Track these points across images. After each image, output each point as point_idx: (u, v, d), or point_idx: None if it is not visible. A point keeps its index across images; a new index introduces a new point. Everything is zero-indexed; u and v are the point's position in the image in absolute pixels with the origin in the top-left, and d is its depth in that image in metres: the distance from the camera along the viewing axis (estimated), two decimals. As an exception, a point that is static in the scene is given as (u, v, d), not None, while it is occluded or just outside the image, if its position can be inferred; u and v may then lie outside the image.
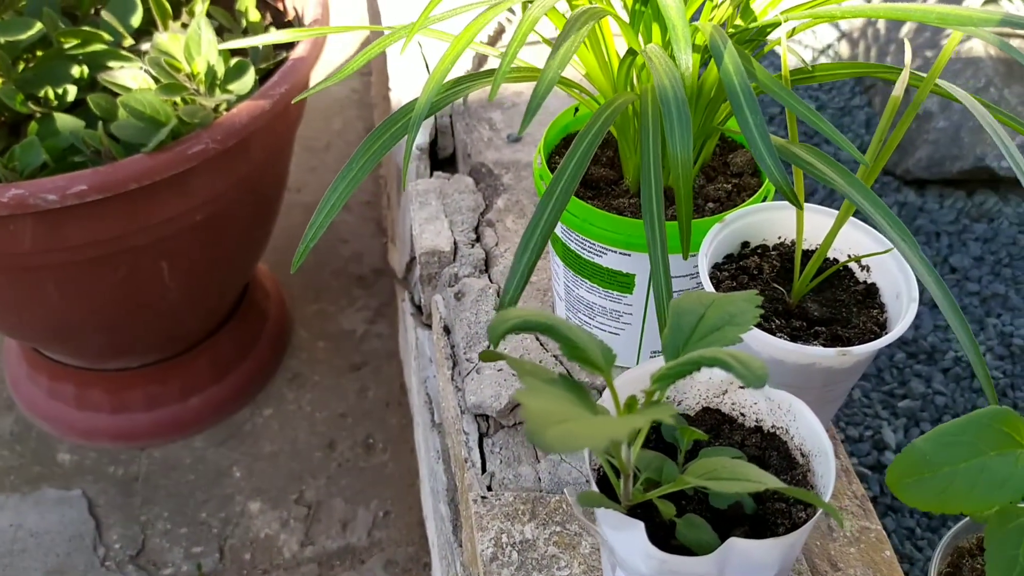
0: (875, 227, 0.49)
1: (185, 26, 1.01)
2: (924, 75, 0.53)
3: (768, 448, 0.51)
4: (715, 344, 0.44)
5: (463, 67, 1.10)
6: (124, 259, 0.97)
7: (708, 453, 0.50)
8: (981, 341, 1.14)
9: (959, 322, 0.48)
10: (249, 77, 0.92)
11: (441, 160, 1.04)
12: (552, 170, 0.72)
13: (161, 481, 1.26)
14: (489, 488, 0.71)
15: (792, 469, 0.50)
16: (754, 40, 0.61)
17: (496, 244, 0.88)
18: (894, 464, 0.46)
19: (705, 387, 0.53)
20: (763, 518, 0.48)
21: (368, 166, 0.55)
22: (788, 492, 0.41)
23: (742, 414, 0.53)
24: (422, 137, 0.99)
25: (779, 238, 0.67)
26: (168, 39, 0.92)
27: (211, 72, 0.90)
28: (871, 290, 0.64)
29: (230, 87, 0.92)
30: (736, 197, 0.69)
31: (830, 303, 0.63)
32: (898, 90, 0.51)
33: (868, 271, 0.64)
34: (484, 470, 0.74)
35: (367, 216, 1.63)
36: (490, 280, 0.85)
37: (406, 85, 1.09)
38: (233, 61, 0.93)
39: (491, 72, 0.60)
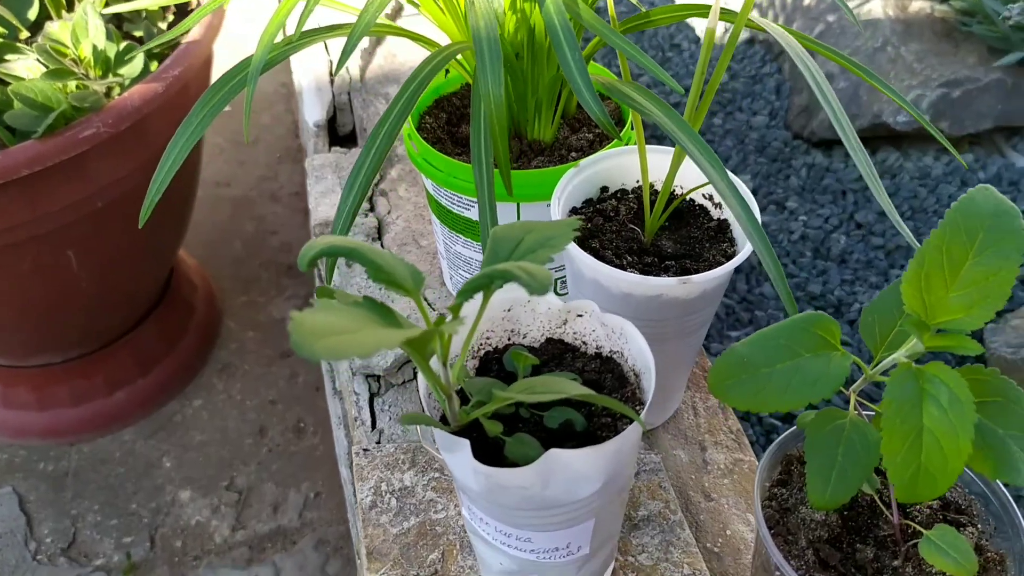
0: (690, 156, 0.51)
1: (77, 9, 1.01)
2: (737, 11, 0.55)
3: (605, 371, 0.53)
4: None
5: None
6: (28, 249, 0.97)
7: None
8: (886, 292, 1.16)
9: (763, 245, 0.50)
10: (138, 60, 0.93)
11: (342, 136, 1.05)
12: (421, 131, 0.74)
13: (91, 475, 1.26)
14: (378, 443, 0.73)
15: (623, 387, 0.52)
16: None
17: (389, 212, 0.90)
18: (715, 367, 0.48)
19: (547, 318, 0.55)
20: (593, 434, 0.50)
21: (207, 120, 0.56)
22: (590, 399, 0.43)
23: (584, 342, 0.55)
24: (319, 114, 1.01)
25: (637, 182, 0.69)
26: (59, 27, 0.93)
27: (99, 56, 0.91)
28: (723, 226, 0.66)
29: (120, 71, 0.93)
30: (598, 145, 0.71)
31: (684, 240, 0.65)
32: (711, 23, 0.53)
33: (721, 208, 0.67)
34: (374, 427, 0.75)
35: (296, 207, 1.64)
36: (382, 246, 0.87)
37: (306, 65, 1.11)
38: (123, 45, 0.94)
39: (333, 27, 0.61)
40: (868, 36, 1.29)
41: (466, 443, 0.46)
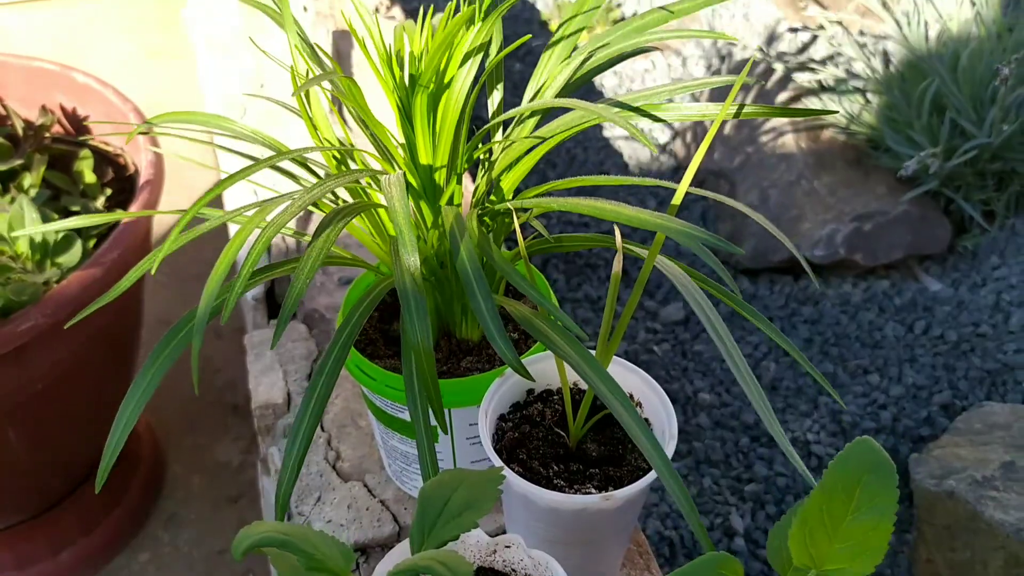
0: (603, 400, 0.55)
1: (15, 201, 1.03)
2: (647, 248, 0.59)
3: (534, 602, 0.56)
4: (456, 531, 0.49)
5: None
6: (-34, 435, 0.97)
7: (480, 613, 0.54)
8: (815, 419, 1.21)
9: (673, 482, 0.53)
10: (76, 249, 0.95)
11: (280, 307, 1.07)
12: (353, 333, 0.76)
13: (35, 642, 1.24)
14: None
15: (551, 622, 0.55)
16: (507, 213, 0.67)
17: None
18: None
19: (476, 548, 0.58)
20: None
21: (157, 375, 0.58)
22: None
23: (514, 570, 0.58)
24: (257, 289, 1.03)
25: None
26: (-5, 218, 0.95)
27: (37, 248, 0.93)
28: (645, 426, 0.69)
29: (59, 260, 0.95)
30: (523, 345, 0.74)
31: (608, 441, 0.69)
32: (616, 267, 0.58)
33: (641, 408, 0.70)
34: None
35: (240, 343, 1.65)
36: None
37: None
38: (60, 234, 0.96)
39: (274, 266, 0.64)
40: (784, 169, 1.37)
41: None
